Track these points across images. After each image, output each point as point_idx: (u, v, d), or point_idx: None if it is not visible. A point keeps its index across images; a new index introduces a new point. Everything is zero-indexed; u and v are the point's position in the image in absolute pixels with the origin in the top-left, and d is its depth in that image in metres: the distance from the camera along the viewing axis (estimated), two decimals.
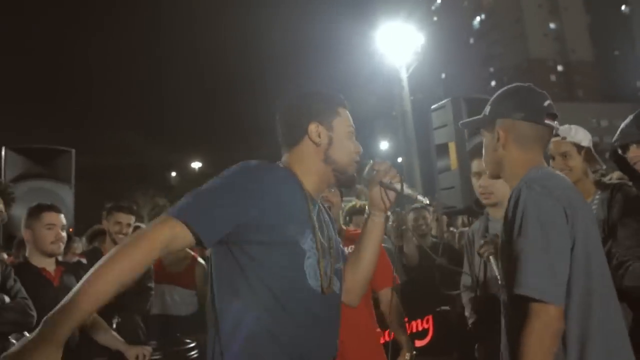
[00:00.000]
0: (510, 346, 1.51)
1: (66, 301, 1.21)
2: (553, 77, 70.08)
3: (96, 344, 2.89)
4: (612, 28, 71.57)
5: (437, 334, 3.27)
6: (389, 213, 1.66)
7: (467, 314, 2.56)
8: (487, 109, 1.66)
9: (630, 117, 2.06)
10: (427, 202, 1.58)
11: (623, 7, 70.22)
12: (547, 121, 1.59)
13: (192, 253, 4.28)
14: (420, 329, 3.22)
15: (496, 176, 1.69)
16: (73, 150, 3.59)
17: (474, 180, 2.43)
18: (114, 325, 3.09)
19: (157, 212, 28.58)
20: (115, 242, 3.42)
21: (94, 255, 3.44)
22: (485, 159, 1.69)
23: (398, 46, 13.47)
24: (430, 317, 3.27)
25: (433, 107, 3.45)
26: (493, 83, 70.44)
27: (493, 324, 2.22)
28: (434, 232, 5.15)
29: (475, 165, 2.36)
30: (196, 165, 43.79)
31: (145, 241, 1.29)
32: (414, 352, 2.48)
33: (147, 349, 2.77)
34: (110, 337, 2.90)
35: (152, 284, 3.47)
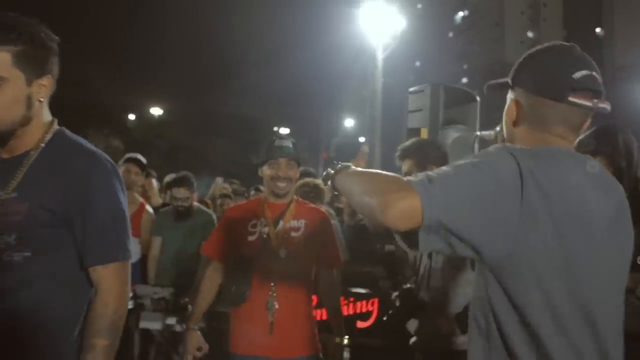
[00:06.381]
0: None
1: None
2: None
3: None
4: (583, 47, 72.89)
5: (380, 317, 3.24)
6: None
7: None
8: (512, 70, 1.32)
9: (589, 130, 2.09)
10: None
11: (598, 30, 72.24)
12: (572, 99, 1.18)
13: (141, 200, 4.04)
14: (364, 310, 3.18)
15: None
16: None
17: None
18: None
19: (109, 152, 27.58)
20: None
21: None
22: (504, 131, 1.36)
23: (378, 26, 13.32)
24: (376, 300, 3.23)
25: (411, 89, 3.32)
26: (464, 80, 71.28)
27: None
28: None
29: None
30: (156, 111, 42.39)
31: None
32: (346, 337, 2.37)
33: None
34: None
35: None
